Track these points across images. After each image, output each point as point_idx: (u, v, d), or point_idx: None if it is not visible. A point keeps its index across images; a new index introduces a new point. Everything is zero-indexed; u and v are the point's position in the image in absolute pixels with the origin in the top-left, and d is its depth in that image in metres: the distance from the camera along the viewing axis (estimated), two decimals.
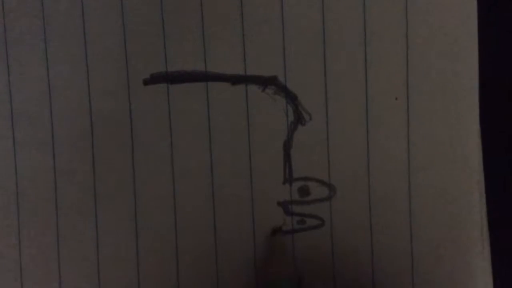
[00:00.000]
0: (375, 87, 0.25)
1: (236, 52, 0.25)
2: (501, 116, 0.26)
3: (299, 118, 0.25)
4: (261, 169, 0.26)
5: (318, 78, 0.25)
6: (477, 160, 0.25)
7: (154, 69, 0.26)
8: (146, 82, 0.26)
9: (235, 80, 0.25)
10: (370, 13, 0.25)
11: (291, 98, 0.25)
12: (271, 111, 0.25)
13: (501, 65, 0.26)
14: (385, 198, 0.25)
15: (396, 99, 0.25)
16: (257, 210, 0.26)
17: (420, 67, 0.25)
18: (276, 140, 0.25)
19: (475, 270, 0.25)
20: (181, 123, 0.26)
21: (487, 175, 0.25)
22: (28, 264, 0.26)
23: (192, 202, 0.26)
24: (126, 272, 0.26)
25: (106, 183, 0.26)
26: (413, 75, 0.25)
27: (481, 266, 0.25)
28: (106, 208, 0.26)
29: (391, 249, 0.25)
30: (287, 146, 0.25)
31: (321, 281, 0.25)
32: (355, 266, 0.25)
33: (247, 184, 0.26)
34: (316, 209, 0.26)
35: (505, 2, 0.27)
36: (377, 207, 0.25)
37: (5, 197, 0.27)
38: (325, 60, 0.25)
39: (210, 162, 0.26)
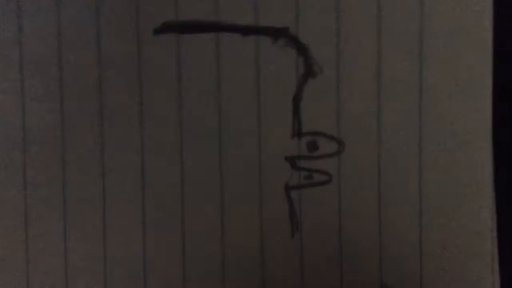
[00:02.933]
0: (388, 40, 0.25)
1: (248, 2, 0.25)
2: None
3: (309, 71, 0.25)
4: (269, 122, 0.25)
5: (330, 31, 0.25)
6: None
7: (165, 18, 0.25)
8: (156, 31, 0.25)
9: (246, 31, 0.25)
10: None
11: (302, 50, 0.25)
12: (282, 63, 0.25)
13: None
14: (395, 155, 0.25)
15: (410, 52, 0.24)
16: (264, 164, 0.25)
17: (434, 18, 0.24)
18: (286, 93, 0.25)
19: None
20: (190, 73, 0.25)
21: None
22: (34, 219, 0.26)
23: (199, 156, 0.26)
24: (132, 253, 0.26)
25: (114, 130, 0.26)
26: (427, 28, 0.24)
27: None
28: (114, 157, 0.26)
29: (399, 206, 0.25)
30: (296, 100, 0.25)
31: (327, 235, 0.25)
32: (362, 223, 0.25)
33: (254, 138, 0.25)
34: (324, 165, 0.25)
35: None
36: (387, 164, 0.25)
37: (11, 151, 0.26)
38: (338, 12, 0.25)
39: (218, 114, 0.25)
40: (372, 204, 0.25)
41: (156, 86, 0.26)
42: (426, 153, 0.25)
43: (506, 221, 0.25)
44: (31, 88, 0.26)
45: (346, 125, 0.25)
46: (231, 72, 0.25)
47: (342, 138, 0.25)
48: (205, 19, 0.25)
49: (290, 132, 0.25)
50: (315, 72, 0.25)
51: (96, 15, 0.26)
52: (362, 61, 0.25)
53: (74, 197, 0.26)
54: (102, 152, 0.26)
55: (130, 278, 0.26)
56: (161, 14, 0.25)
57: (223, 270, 0.25)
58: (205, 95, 0.25)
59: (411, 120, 0.25)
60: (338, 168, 0.25)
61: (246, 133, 0.25)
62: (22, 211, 0.26)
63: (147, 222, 0.26)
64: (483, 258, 0.25)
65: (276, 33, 0.25)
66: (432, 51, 0.24)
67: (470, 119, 0.24)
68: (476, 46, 0.24)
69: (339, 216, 0.25)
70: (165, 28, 0.25)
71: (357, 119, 0.25)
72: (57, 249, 0.26)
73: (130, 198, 0.26)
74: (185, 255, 0.26)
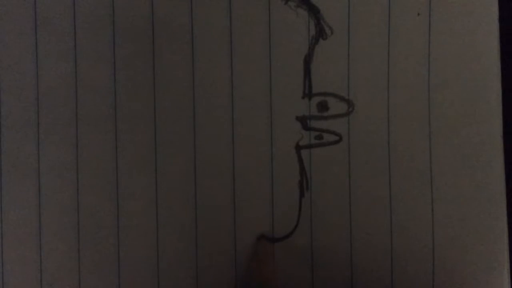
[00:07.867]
0: (398, 2, 0.25)
1: None
2: None
3: (320, 32, 0.25)
4: (281, 83, 0.26)
5: None
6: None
7: None
8: None
9: None
10: None
11: (314, 11, 0.25)
12: (293, 25, 0.25)
13: None
14: (404, 115, 0.25)
15: (418, 14, 0.25)
16: (276, 124, 0.26)
17: None
18: (297, 54, 0.26)
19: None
20: (203, 34, 0.26)
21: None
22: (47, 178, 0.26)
23: (210, 115, 0.26)
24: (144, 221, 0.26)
25: (127, 89, 0.26)
26: None
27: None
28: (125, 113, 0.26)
29: (408, 165, 0.25)
30: (307, 60, 0.26)
31: (336, 195, 0.26)
32: (371, 182, 0.25)
33: (266, 97, 0.26)
34: (334, 125, 0.26)
35: None
36: (396, 124, 0.25)
37: (26, 106, 0.26)
38: None
39: (230, 74, 0.26)
40: (381, 163, 0.26)
41: (169, 46, 0.26)
42: (435, 112, 0.25)
43: None
44: (45, 48, 0.26)
45: (356, 86, 0.25)
46: (243, 33, 0.26)
47: (352, 99, 0.26)
48: None
49: (301, 93, 0.26)
50: (326, 33, 0.25)
51: None
52: (372, 23, 0.25)
53: (87, 157, 0.26)
54: (115, 114, 0.26)
55: (143, 233, 0.26)
56: None
57: (234, 228, 0.26)
58: (218, 55, 0.26)
59: (420, 80, 0.25)
60: (348, 128, 0.26)
61: (257, 93, 0.26)
62: (35, 170, 0.26)
63: (159, 183, 0.26)
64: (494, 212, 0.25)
65: None
66: (441, 15, 0.25)
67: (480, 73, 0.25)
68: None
69: (348, 175, 0.26)
70: None
71: (366, 79, 0.25)
72: (71, 205, 0.26)
73: (143, 154, 0.26)
74: (197, 214, 0.26)
